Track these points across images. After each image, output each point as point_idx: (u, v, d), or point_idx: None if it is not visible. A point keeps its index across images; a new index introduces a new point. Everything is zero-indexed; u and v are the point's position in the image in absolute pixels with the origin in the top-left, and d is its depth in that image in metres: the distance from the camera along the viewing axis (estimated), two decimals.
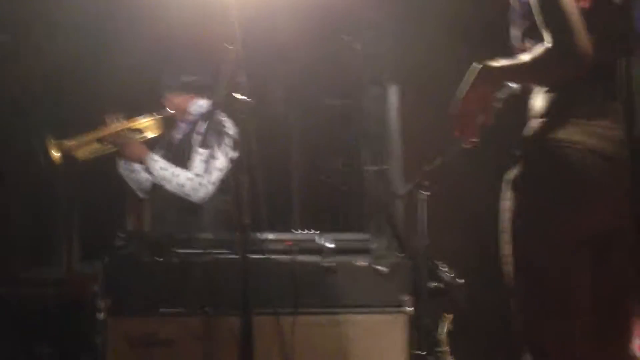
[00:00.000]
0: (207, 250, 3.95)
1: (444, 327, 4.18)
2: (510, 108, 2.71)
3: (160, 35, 5.40)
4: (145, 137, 4.73)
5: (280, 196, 5.84)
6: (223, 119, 4.61)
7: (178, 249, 3.95)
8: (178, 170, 4.61)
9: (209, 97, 4.77)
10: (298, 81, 5.98)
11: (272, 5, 5.00)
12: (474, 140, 2.51)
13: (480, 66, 2.45)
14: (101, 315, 3.77)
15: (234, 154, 4.38)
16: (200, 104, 4.81)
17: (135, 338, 3.75)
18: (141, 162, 4.65)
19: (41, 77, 5.71)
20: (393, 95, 5.50)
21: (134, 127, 4.68)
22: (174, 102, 4.80)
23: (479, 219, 5.04)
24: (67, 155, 4.52)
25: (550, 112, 2.46)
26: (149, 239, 4.03)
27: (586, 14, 2.39)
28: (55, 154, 4.47)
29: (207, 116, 4.66)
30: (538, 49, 2.37)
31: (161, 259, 3.88)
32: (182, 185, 4.57)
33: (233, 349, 3.38)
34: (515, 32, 2.59)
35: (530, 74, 2.47)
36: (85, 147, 4.59)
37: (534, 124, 2.49)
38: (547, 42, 2.34)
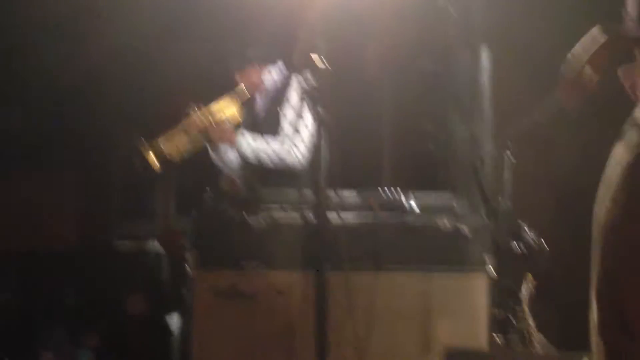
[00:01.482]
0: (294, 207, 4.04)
1: (526, 288, 4.17)
2: None
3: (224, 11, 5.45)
4: (227, 117, 4.76)
5: (370, 156, 5.88)
6: (303, 78, 4.66)
7: (265, 206, 4.06)
8: (268, 138, 4.69)
9: (278, 64, 4.83)
10: (389, 44, 5.97)
11: None
12: (578, 104, 2.39)
13: (607, 32, 2.28)
14: (188, 268, 3.92)
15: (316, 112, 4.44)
16: (272, 73, 4.87)
17: (220, 290, 3.88)
18: (231, 141, 4.74)
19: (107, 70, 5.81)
20: (484, 57, 5.45)
21: (215, 111, 4.74)
22: (246, 78, 4.84)
23: (567, 182, 5.01)
24: (160, 156, 4.59)
25: None
26: (236, 196, 4.14)
27: None
28: (153, 160, 4.55)
29: (287, 80, 4.74)
30: None
31: (247, 215, 3.98)
32: (276, 151, 4.66)
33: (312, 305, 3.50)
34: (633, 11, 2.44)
35: None
36: (174, 142, 4.64)
37: None
38: None
